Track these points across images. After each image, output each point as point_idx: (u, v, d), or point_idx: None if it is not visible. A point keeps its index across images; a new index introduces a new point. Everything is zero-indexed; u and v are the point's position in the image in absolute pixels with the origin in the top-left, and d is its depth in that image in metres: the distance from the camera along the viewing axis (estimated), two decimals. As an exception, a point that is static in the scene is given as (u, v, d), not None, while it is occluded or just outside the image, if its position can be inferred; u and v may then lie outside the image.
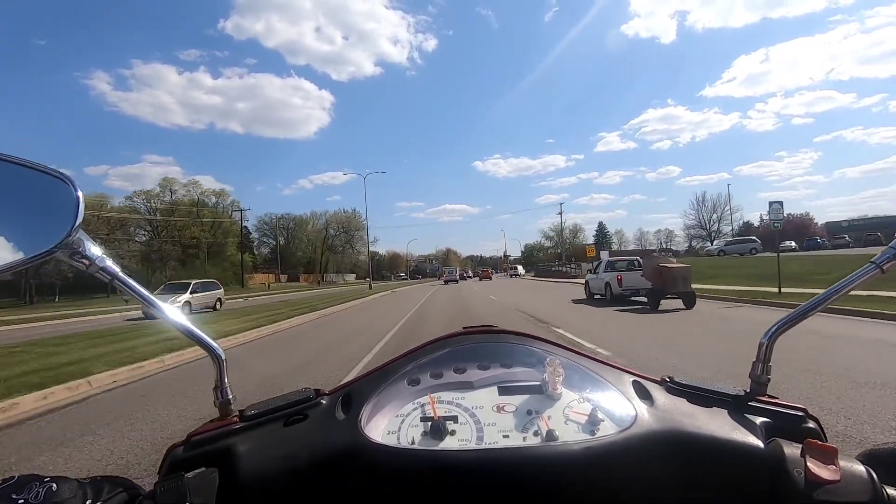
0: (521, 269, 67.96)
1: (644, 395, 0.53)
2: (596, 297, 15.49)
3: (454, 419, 0.50)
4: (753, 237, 40.42)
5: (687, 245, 68.85)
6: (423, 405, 0.52)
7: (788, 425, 0.50)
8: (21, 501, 0.37)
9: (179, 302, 17.14)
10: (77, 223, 0.46)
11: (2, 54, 71.95)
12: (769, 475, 0.44)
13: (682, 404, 0.53)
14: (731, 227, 60.91)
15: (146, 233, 53.44)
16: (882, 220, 43.03)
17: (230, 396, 0.55)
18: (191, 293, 18.58)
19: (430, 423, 0.49)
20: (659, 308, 10.90)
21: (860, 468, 0.42)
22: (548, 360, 0.54)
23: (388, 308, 16.73)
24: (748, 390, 0.54)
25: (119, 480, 0.44)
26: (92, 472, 0.44)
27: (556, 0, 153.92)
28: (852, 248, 33.07)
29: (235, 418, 0.53)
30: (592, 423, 0.49)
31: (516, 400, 0.53)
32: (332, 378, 5.27)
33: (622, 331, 8.09)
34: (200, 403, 4.48)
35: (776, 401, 0.53)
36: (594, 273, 16.22)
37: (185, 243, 52.79)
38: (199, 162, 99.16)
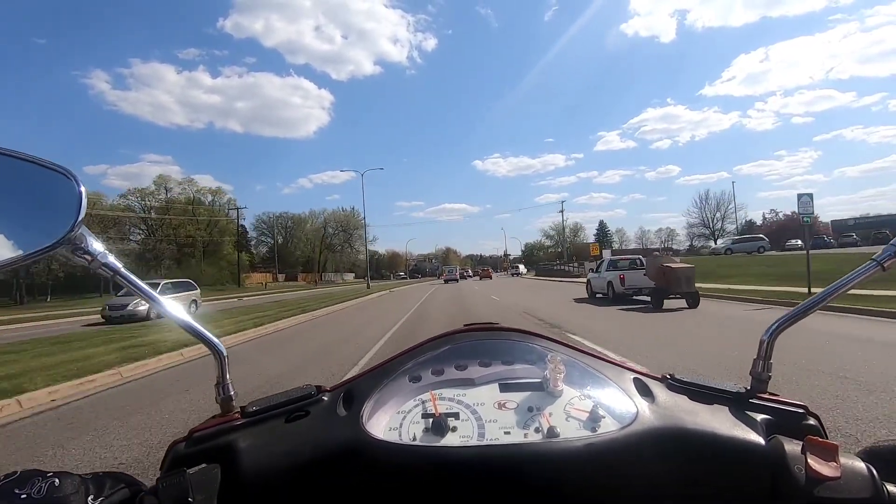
0: (522, 267, 68.04)
1: (645, 392, 0.54)
2: (598, 296, 15.51)
3: (455, 416, 0.51)
4: (761, 235, 40.11)
5: (688, 244, 69.05)
6: (424, 402, 0.53)
7: (789, 422, 0.50)
8: (24, 496, 0.38)
9: (144, 305, 15.82)
10: (79, 218, 0.46)
11: (1, 53, 72.79)
12: (770, 472, 0.44)
13: (682, 401, 0.53)
14: (735, 226, 60.94)
15: (141, 231, 53.46)
16: (888, 218, 43.04)
17: (232, 393, 0.56)
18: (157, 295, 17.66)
19: (431, 420, 0.49)
20: (662, 307, 10.93)
21: (860, 465, 0.43)
22: (549, 357, 0.55)
23: (385, 309, 16.27)
24: (749, 387, 0.55)
25: (121, 476, 0.45)
26: None
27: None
28: (860, 246, 33.02)
29: (237, 414, 0.54)
30: (593, 419, 0.49)
31: (517, 397, 0.54)
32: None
33: (662, 341, 6.64)
34: (152, 434, 3.53)
35: (777, 398, 0.54)
36: (596, 272, 16.24)
37: (181, 242, 52.83)
38: (198, 161, 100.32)
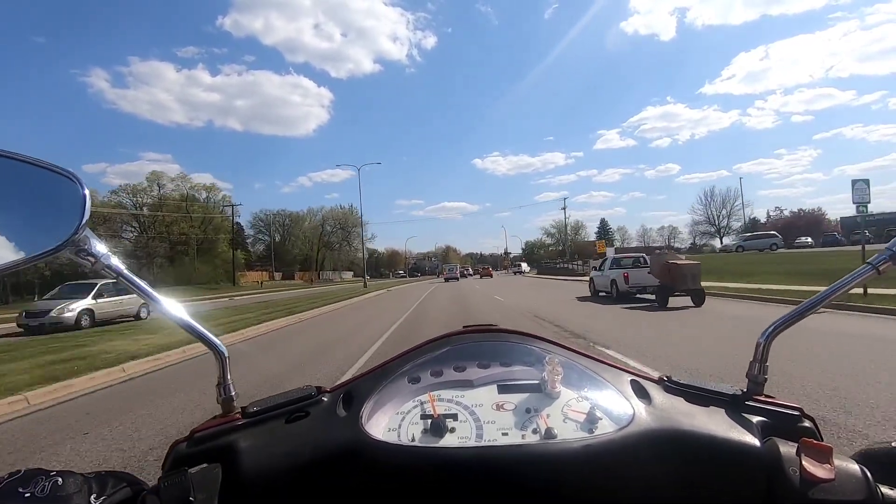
0: (525, 266, 68.03)
1: (642, 394, 0.55)
2: (601, 294, 15.53)
3: (454, 417, 0.52)
4: (773, 232, 39.59)
5: (691, 242, 69.12)
6: (423, 403, 0.54)
7: (784, 424, 0.52)
8: (27, 495, 0.39)
9: (73, 310, 13.40)
10: (83, 221, 0.48)
11: (1, 52, 73.34)
12: (765, 474, 0.45)
13: (679, 403, 0.55)
14: (741, 223, 60.96)
15: (133, 229, 53.40)
16: (896, 216, 42.92)
17: (233, 393, 0.57)
18: (94, 298, 14.25)
19: (430, 421, 0.51)
20: (668, 305, 10.96)
21: (855, 467, 0.44)
22: (547, 358, 0.56)
23: (381, 310, 15.77)
24: (745, 390, 0.56)
25: (123, 475, 0.46)
26: None
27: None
28: (873, 243, 32.86)
29: (238, 415, 0.55)
30: (591, 421, 0.50)
31: (515, 398, 0.55)
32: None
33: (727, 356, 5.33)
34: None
35: (773, 400, 0.55)
36: (599, 270, 16.25)
37: (174, 240, 52.70)
38: (197, 159, 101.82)
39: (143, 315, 16.05)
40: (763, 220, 61.92)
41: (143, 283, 0.54)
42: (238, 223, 62.67)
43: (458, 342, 0.64)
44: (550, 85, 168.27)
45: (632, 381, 0.58)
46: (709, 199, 66.02)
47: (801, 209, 59.90)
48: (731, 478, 0.47)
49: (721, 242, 61.47)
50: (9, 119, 67.82)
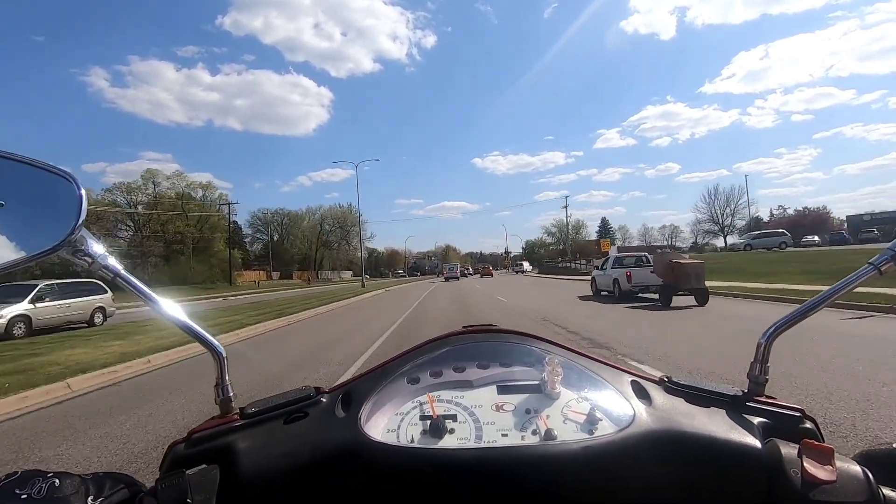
0: (526, 265, 68.11)
1: (642, 394, 0.56)
2: (603, 293, 15.55)
3: (453, 418, 0.53)
4: (783, 230, 39.24)
5: (692, 241, 69.17)
6: (422, 404, 0.55)
7: (786, 425, 0.52)
8: (24, 496, 0.39)
9: (3, 317, 11.52)
10: (79, 221, 0.48)
11: (0, 51, 73.60)
12: (766, 475, 0.46)
13: (680, 404, 0.55)
14: (745, 222, 60.86)
15: (128, 227, 53.37)
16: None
17: (231, 394, 0.57)
18: (32, 302, 12.37)
19: (429, 422, 0.51)
20: (671, 305, 10.97)
21: (856, 468, 0.44)
22: (547, 359, 0.56)
23: (378, 310, 15.31)
24: (746, 390, 0.56)
25: (121, 476, 0.47)
26: None
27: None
28: (881, 242, 32.75)
29: (236, 416, 0.56)
30: (591, 422, 0.51)
31: (515, 399, 0.55)
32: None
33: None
34: None
35: (774, 401, 0.55)
36: (601, 269, 16.26)
37: (170, 239, 52.68)
38: (197, 159, 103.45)
39: (97, 321, 14.05)
40: (766, 218, 62.10)
41: (140, 284, 0.54)
42: (235, 222, 62.90)
43: (458, 342, 0.65)
44: (550, 84, 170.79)
45: (632, 381, 0.58)
46: (712, 198, 66.16)
47: (805, 207, 60.09)
48: (731, 479, 0.47)
49: (725, 241, 61.58)
50: (8, 119, 68.81)
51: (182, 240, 53.59)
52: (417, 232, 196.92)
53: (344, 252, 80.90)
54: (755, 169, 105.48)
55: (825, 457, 0.44)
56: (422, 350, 0.64)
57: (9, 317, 11.84)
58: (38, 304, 12.75)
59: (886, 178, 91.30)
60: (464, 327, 0.70)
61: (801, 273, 15.75)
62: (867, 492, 0.42)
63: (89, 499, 0.42)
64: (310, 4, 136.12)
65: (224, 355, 0.58)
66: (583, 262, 43.72)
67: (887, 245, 0.53)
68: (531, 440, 0.50)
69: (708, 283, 11.32)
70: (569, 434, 0.49)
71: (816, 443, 0.46)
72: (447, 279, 46.40)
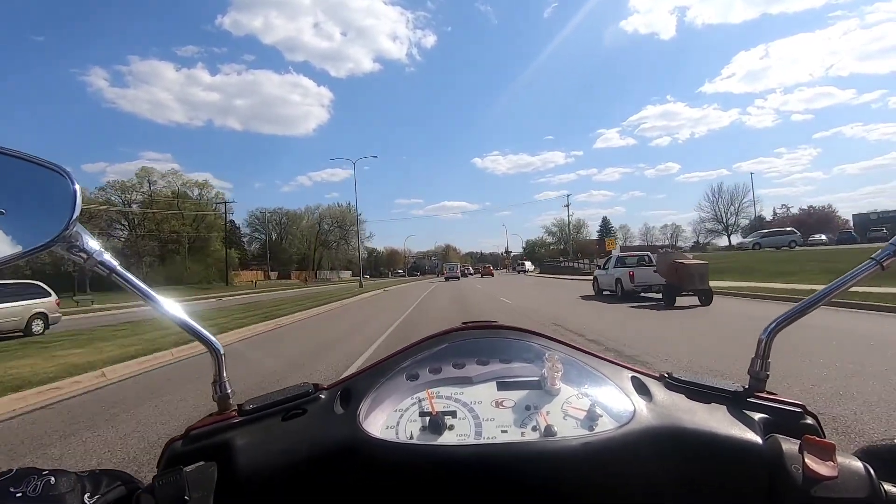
0: (528, 264, 68.10)
1: (643, 390, 0.56)
2: (605, 293, 15.56)
3: (453, 414, 0.53)
4: (792, 229, 38.32)
5: (694, 240, 69.23)
6: (421, 400, 0.55)
7: (787, 421, 0.52)
8: (19, 495, 0.40)
9: None
10: (74, 216, 0.48)
11: (0, 50, 73.04)
12: (767, 471, 0.46)
13: (680, 400, 0.55)
14: (749, 220, 60.78)
15: (122, 227, 53.31)
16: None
17: (229, 391, 0.58)
18: None
19: (428, 418, 0.51)
20: (674, 305, 10.98)
21: (858, 464, 0.44)
22: (546, 355, 0.57)
23: (375, 311, 14.86)
24: (747, 386, 0.57)
25: (117, 474, 0.47)
26: None
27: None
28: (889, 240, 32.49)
29: (234, 413, 0.56)
30: (591, 418, 0.51)
31: (515, 395, 0.55)
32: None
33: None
34: None
35: (775, 397, 0.55)
36: (603, 269, 16.28)
37: (165, 238, 52.62)
38: (197, 159, 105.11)
39: (35, 329, 12.17)
40: (769, 217, 61.97)
41: (137, 281, 0.54)
42: (232, 221, 62.85)
43: (457, 339, 0.65)
44: (550, 84, 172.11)
45: (632, 377, 0.59)
46: (716, 196, 66.13)
47: (811, 206, 60.01)
48: (732, 475, 0.47)
49: (729, 240, 61.49)
50: (7, 118, 68.99)
51: (178, 239, 53.55)
52: (417, 232, 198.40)
53: (343, 252, 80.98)
54: (755, 169, 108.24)
55: (826, 452, 0.44)
56: (421, 346, 0.64)
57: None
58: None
59: (886, 177, 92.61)
60: (463, 323, 0.70)
61: (823, 272, 14.66)
62: (868, 487, 0.42)
63: (85, 496, 0.42)
64: (309, 4, 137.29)
65: (222, 352, 0.58)
66: (585, 261, 43.69)
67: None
68: (531, 436, 0.50)
69: (723, 284, 11.27)
70: (569, 430, 0.50)
71: (818, 438, 0.46)
72: (447, 279, 46.48)
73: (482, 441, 0.50)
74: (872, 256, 0.54)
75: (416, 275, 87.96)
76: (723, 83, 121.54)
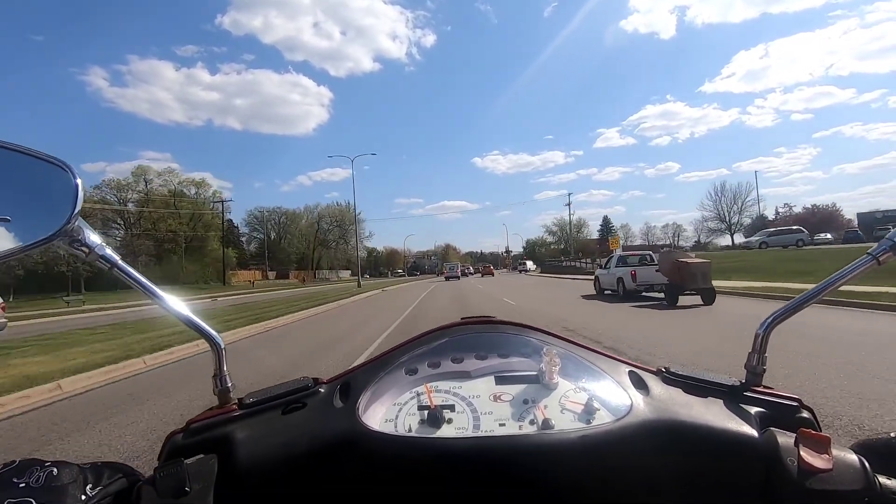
0: (530, 264, 68.15)
1: (640, 384, 0.57)
2: (606, 292, 15.60)
3: (451, 408, 0.54)
4: (800, 227, 37.58)
5: (695, 239, 69.29)
6: (419, 394, 0.56)
7: (783, 415, 0.53)
8: (22, 485, 0.40)
9: None
10: (76, 210, 0.49)
11: None
12: (763, 464, 0.47)
13: (677, 394, 0.56)
14: (751, 219, 60.79)
15: (118, 226, 53.27)
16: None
17: (229, 385, 0.58)
18: None
19: (427, 412, 0.52)
20: (677, 304, 11.00)
21: (853, 457, 0.45)
22: (544, 349, 0.58)
23: (372, 312, 14.35)
24: (744, 381, 0.58)
25: (119, 466, 0.48)
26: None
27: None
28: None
29: (234, 406, 0.57)
30: (588, 412, 0.52)
31: (513, 389, 0.56)
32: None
33: None
34: None
35: (771, 391, 0.56)
36: (605, 268, 16.32)
37: (161, 237, 52.57)
38: (197, 158, 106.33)
39: None
40: (771, 217, 61.87)
41: (139, 276, 0.55)
42: (230, 220, 62.98)
43: (456, 333, 0.66)
44: (550, 83, 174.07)
45: (630, 371, 0.60)
46: (719, 195, 66.09)
47: (814, 205, 59.94)
48: (728, 468, 0.48)
49: (732, 239, 61.49)
50: (6, 118, 69.12)
51: (174, 238, 53.54)
52: (417, 231, 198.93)
53: (342, 251, 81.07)
54: (755, 168, 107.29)
55: (822, 445, 0.45)
56: (420, 341, 0.65)
57: None
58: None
59: (886, 177, 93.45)
60: (462, 319, 0.71)
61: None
62: (863, 480, 0.43)
63: (87, 487, 0.43)
64: (309, 4, 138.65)
65: (222, 347, 0.59)
66: (587, 260, 43.64)
67: None
68: (529, 430, 0.51)
69: (738, 284, 11.21)
70: (566, 424, 0.50)
71: (813, 432, 0.47)
72: (447, 278, 46.57)
73: (480, 434, 0.51)
74: (869, 252, 0.54)
75: (416, 274, 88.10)
76: (723, 83, 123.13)
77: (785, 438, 0.47)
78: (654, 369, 0.62)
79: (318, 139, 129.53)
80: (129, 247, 49.07)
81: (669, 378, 0.59)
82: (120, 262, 0.53)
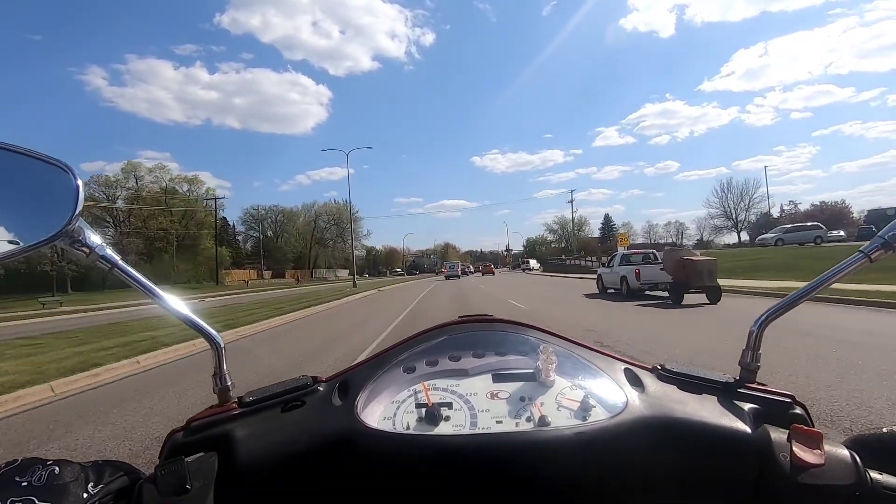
0: (533, 262, 68.02)
1: (635, 382, 0.59)
2: (609, 291, 15.63)
3: (449, 405, 0.56)
4: (818, 223, 36.14)
5: (698, 237, 69.33)
6: (417, 392, 0.58)
7: (776, 411, 0.55)
8: (24, 484, 0.41)
9: None
10: (77, 211, 0.50)
11: None
12: (756, 460, 0.49)
13: (672, 391, 0.58)
14: (757, 216, 60.59)
15: (106, 223, 53.07)
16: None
17: (229, 383, 0.60)
18: None
19: (424, 410, 0.54)
20: (682, 303, 11.01)
21: (844, 452, 0.47)
22: (541, 347, 0.60)
23: (367, 315, 13.41)
24: (738, 377, 0.60)
25: (120, 464, 0.49)
26: None
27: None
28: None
29: (234, 404, 0.58)
30: (584, 409, 0.54)
31: (510, 387, 0.58)
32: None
33: None
34: None
35: (765, 388, 0.58)
36: (608, 266, 16.34)
37: (152, 235, 52.40)
38: (196, 158, 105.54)
39: None
40: (776, 214, 61.68)
41: (139, 276, 0.56)
42: (225, 218, 62.87)
43: (454, 332, 0.68)
44: (549, 82, 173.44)
45: (625, 369, 0.61)
46: (725, 192, 65.91)
47: (822, 202, 59.83)
48: (723, 464, 0.50)
49: (738, 237, 61.41)
50: (6, 118, 69.05)
51: (166, 237, 53.37)
52: (416, 230, 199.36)
53: (340, 250, 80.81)
54: (754, 167, 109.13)
55: (814, 441, 0.47)
56: (418, 339, 0.67)
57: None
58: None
59: (885, 175, 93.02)
60: (460, 317, 0.73)
61: (879, 269, 11.30)
62: (854, 475, 0.45)
63: (89, 486, 0.44)
64: (308, 2, 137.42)
65: (222, 345, 0.60)
66: (591, 259, 43.59)
67: None
68: (525, 427, 0.53)
69: (770, 284, 10.89)
70: (562, 421, 0.52)
71: (806, 428, 0.49)
72: (448, 277, 46.56)
73: (477, 431, 0.52)
74: (861, 249, 0.56)
75: (416, 273, 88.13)
76: (722, 81, 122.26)
77: (778, 434, 0.49)
78: (650, 367, 0.64)
79: (318, 138, 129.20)
80: (118, 245, 48.87)
81: (664, 375, 0.61)
82: (120, 262, 0.54)
